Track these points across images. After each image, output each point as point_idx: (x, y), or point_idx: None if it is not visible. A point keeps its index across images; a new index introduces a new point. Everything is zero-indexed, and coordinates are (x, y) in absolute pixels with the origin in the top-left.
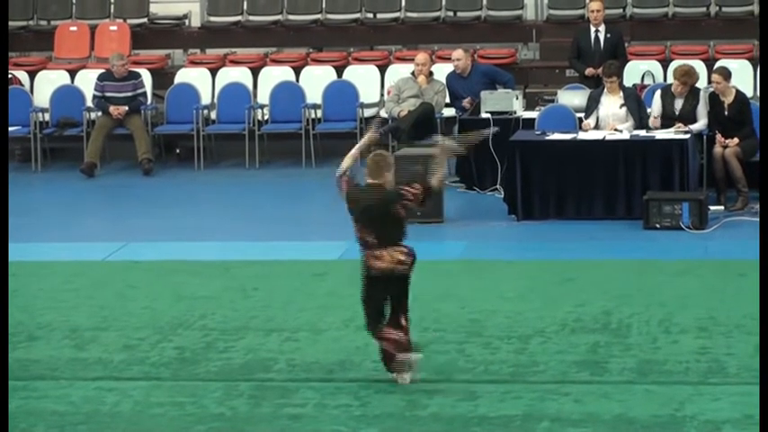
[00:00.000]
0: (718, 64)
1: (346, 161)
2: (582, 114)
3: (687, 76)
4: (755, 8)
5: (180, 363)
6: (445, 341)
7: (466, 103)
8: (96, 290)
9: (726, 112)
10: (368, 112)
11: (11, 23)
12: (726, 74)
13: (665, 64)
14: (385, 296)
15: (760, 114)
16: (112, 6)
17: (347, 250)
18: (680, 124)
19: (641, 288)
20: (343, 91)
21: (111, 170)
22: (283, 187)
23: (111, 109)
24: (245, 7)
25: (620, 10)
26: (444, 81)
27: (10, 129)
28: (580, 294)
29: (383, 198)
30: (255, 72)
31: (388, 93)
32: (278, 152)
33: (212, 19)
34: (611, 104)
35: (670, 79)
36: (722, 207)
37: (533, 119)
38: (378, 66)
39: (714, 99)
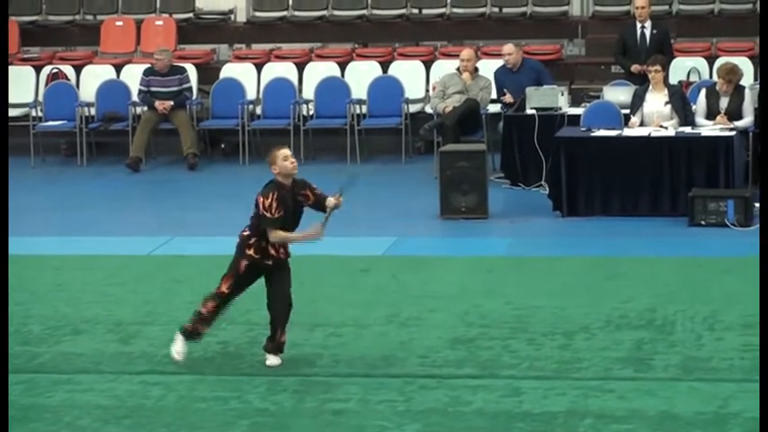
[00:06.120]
0: None
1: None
2: (627, 111)
3: (731, 74)
4: None
5: (224, 357)
6: (490, 337)
7: (505, 98)
8: (141, 284)
9: None
10: (413, 108)
11: (57, 18)
12: None
13: (711, 61)
14: None
15: (760, 113)
16: (158, 1)
17: (392, 246)
18: (724, 118)
19: (686, 285)
20: (389, 86)
21: (157, 165)
22: (328, 183)
23: (157, 104)
24: (290, 2)
25: (667, 6)
26: (489, 77)
27: (56, 123)
28: (625, 291)
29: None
30: (300, 67)
31: (433, 88)
32: (323, 147)
33: (258, 14)
34: (656, 102)
35: (715, 76)
36: None
37: (579, 115)
38: (423, 61)
39: None
